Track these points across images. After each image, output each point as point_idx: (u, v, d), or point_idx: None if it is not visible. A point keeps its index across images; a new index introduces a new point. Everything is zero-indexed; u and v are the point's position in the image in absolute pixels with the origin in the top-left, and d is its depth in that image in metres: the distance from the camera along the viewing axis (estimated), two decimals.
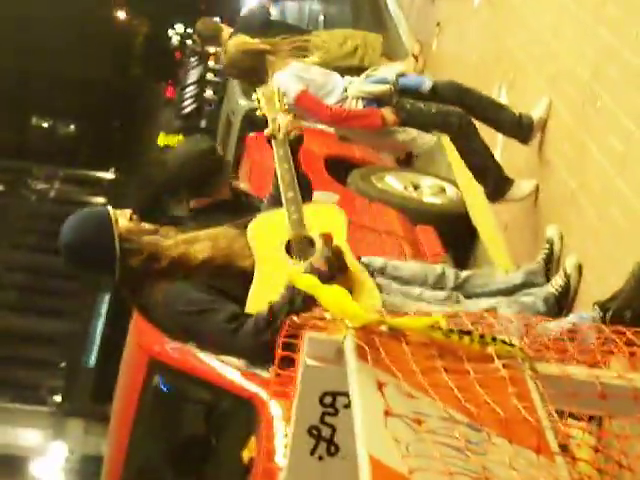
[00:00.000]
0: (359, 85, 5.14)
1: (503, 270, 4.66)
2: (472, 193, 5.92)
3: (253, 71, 5.14)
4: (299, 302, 3.22)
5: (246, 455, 4.65)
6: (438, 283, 4.22)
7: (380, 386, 1.38)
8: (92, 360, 18.70)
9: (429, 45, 8.27)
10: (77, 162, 24.06)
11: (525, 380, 1.50)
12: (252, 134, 7.69)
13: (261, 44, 5.17)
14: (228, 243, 3.54)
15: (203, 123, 22.05)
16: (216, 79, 23.89)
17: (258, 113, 3.95)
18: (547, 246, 4.56)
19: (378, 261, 4.19)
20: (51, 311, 21.82)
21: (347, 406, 1.78)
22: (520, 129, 5.10)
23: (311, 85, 5.05)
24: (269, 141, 3.88)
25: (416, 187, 6.78)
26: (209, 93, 23.95)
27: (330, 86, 5.13)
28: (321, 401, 1.85)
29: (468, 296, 4.17)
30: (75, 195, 23.88)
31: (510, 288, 4.35)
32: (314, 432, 1.88)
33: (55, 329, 21.27)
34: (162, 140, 24.94)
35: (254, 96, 4.01)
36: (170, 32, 25.21)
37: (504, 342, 1.56)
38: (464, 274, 4.30)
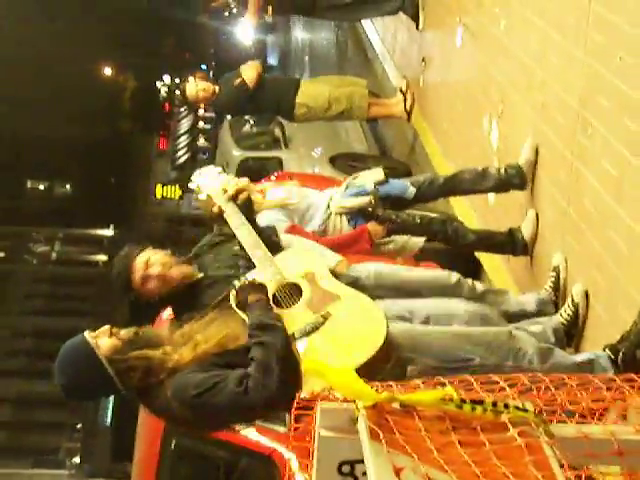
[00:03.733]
0: (340, 201, 5.15)
1: (515, 294, 4.65)
2: (471, 225, 5.92)
3: None
4: (278, 341, 3.32)
5: None
6: (452, 293, 4.22)
7: (397, 471, 1.37)
8: (108, 419, 18.64)
9: (416, 81, 8.30)
10: (76, 222, 24.11)
11: (542, 447, 1.49)
12: None
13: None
14: (220, 331, 3.54)
15: None
16: (207, 126, 23.99)
17: (199, 205, 4.05)
18: (553, 274, 4.56)
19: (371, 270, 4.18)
20: None
21: (365, 473, 1.77)
22: (510, 182, 5.16)
23: (294, 213, 5.10)
24: (220, 217, 4.00)
25: None
26: (202, 141, 24.05)
27: (312, 209, 5.18)
28: (339, 470, 1.83)
29: None
30: (76, 255, 23.92)
31: (520, 313, 4.36)
32: None
33: None
34: (160, 192, 25.01)
35: (192, 185, 4.11)
36: (158, 84, 25.34)
37: (517, 408, 1.55)
38: (480, 288, 4.30)
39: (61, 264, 23.04)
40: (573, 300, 4.30)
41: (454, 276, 4.28)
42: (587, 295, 4.29)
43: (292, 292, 3.68)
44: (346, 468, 1.82)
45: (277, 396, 3.26)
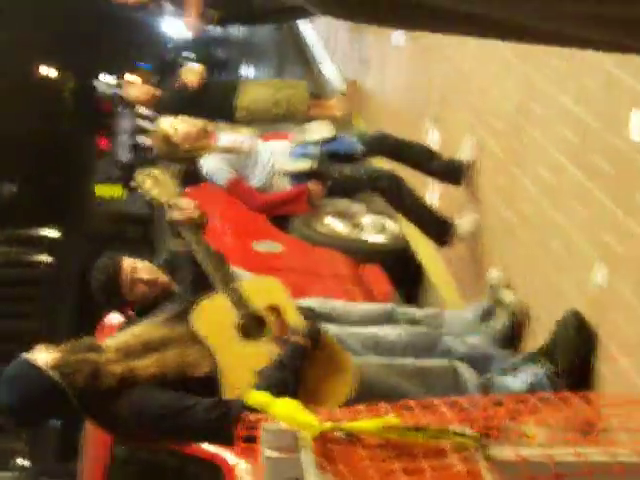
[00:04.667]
0: (283, 163, 5.17)
1: (452, 308, 4.71)
2: (413, 228, 5.98)
3: (183, 159, 5.20)
4: (292, 382, 3.32)
5: None
6: (389, 321, 4.27)
7: None
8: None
9: (356, 83, 8.35)
10: (18, 222, 23.84)
11: (481, 472, 1.54)
12: (188, 189, 7.66)
13: (185, 144, 5.18)
14: (179, 356, 3.48)
15: None
16: (147, 124, 23.83)
17: (148, 199, 3.89)
18: (490, 290, 4.56)
19: (326, 306, 4.21)
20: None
21: None
22: (451, 173, 5.22)
23: (236, 165, 5.10)
24: (174, 226, 3.88)
25: (356, 225, 6.83)
26: (144, 139, 23.90)
27: (253, 166, 5.16)
28: None
29: None
30: (20, 256, 23.64)
31: (459, 329, 4.42)
32: None
33: None
34: (100, 191, 24.84)
35: (135, 182, 3.93)
36: (95, 83, 25.13)
37: (456, 433, 1.60)
38: (418, 315, 4.35)
39: (3, 266, 22.76)
40: (510, 309, 4.37)
41: (388, 306, 4.38)
42: (524, 306, 4.36)
43: (256, 324, 3.62)
44: None
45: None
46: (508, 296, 4.41)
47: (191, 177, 5.77)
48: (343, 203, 5.19)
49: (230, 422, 3.08)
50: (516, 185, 4.61)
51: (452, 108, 5.75)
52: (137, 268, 3.92)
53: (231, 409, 3.24)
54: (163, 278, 3.93)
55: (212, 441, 3.54)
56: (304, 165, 5.10)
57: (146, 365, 3.42)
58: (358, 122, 8.21)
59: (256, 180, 5.17)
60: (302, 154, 5.16)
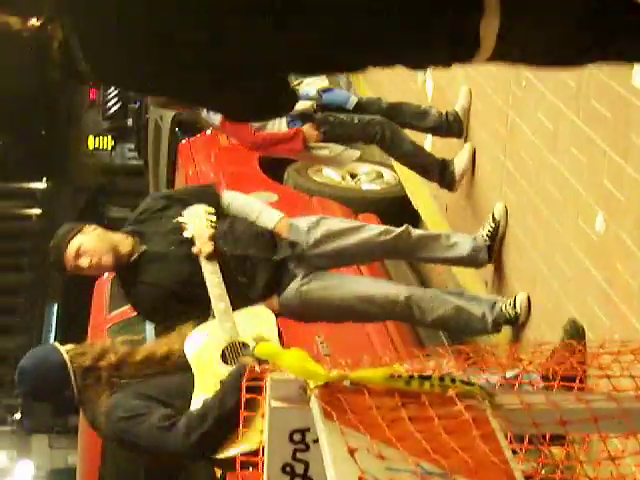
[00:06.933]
0: None
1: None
2: (409, 175, 5.96)
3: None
4: (230, 403, 3.30)
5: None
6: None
7: (351, 452, 1.41)
8: None
9: None
10: (7, 175, 23.76)
11: (488, 419, 1.53)
12: (184, 141, 7.63)
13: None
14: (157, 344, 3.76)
15: (130, 122, 21.84)
16: None
17: (186, 234, 4.03)
18: (492, 224, 4.60)
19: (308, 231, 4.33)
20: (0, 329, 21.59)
21: (316, 440, 1.81)
22: (449, 127, 5.20)
23: None
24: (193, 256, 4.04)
25: (353, 176, 6.81)
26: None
27: None
28: (291, 439, 1.87)
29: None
30: (9, 209, 23.62)
31: (454, 259, 4.57)
32: (288, 469, 1.91)
33: (6, 346, 21.05)
34: (92, 143, 24.71)
35: (181, 219, 4.09)
36: None
37: (463, 382, 1.60)
38: (415, 235, 4.47)
39: None
40: (494, 219, 4.57)
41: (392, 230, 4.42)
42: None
43: (240, 352, 3.75)
44: (297, 436, 1.86)
45: (190, 448, 3.37)
46: (497, 208, 4.58)
47: (186, 125, 5.70)
48: (338, 147, 5.16)
49: (170, 432, 3.37)
50: (514, 131, 4.58)
51: None
52: (82, 251, 4.03)
53: (176, 425, 3.39)
54: (106, 260, 4.05)
55: (160, 452, 3.61)
56: (305, 105, 5.09)
57: (140, 350, 3.67)
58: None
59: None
60: (302, 97, 5.14)
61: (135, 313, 4.54)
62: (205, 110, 5.01)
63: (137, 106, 21.65)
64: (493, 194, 4.86)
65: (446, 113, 5.22)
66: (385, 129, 5.05)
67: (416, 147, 5.16)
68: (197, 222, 4.04)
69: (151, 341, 4.16)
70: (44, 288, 21.05)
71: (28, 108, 22.30)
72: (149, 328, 5.04)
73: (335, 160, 5.28)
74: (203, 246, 3.99)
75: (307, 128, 5.06)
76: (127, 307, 5.09)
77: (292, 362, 1.60)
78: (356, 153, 5.27)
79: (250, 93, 1.99)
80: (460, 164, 5.11)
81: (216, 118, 4.99)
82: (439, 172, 5.13)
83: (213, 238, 4.01)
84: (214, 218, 4.08)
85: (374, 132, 5.06)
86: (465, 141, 5.24)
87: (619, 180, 3.47)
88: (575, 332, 3.71)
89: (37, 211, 23.11)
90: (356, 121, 5.07)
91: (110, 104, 24.36)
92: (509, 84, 4.63)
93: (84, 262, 4.03)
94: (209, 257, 3.98)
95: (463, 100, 5.19)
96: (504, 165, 4.71)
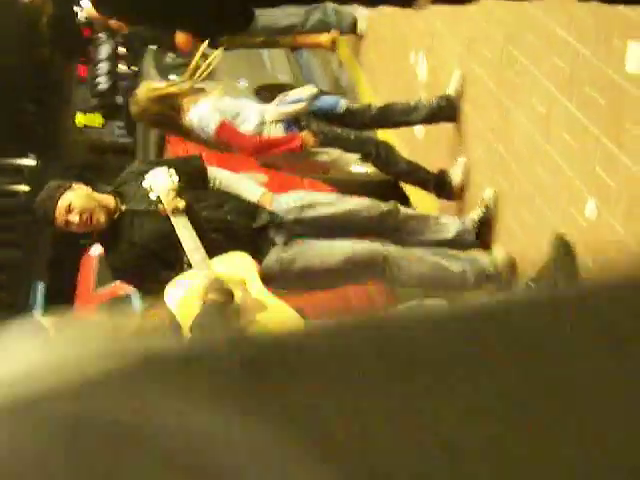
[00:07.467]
0: (275, 109, 5.12)
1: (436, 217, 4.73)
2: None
3: (166, 117, 5.12)
4: None
5: None
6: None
7: None
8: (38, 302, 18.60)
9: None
10: None
11: None
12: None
13: (170, 88, 5.14)
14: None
15: (120, 99, 21.69)
16: (128, 52, 23.51)
17: (152, 196, 4.13)
18: (483, 209, 4.61)
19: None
20: None
21: None
22: (442, 112, 5.19)
23: (227, 114, 5.04)
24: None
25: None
26: (123, 68, 23.61)
27: (245, 113, 5.10)
28: None
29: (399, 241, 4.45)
30: None
31: (440, 241, 4.56)
32: None
33: None
34: (81, 120, 24.55)
35: (145, 184, 4.17)
36: (76, 9, 24.73)
37: None
38: (403, 212, 4.52)
39: None
40: (485, 204, 4.62)
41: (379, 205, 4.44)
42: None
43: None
44: None
45: None
46: (487, 194, 4.61)
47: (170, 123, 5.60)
48: (336, 152, 5.16)
49: None
50: (507, 116, 4.57)
51: (441, 39, 5.68)
52: (72, 207, 4.13)
53: None
54: (97, 216, 4.15)
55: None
56: (300, 106, 5.08)
57: None
58: (343, 52, 8.13)
59: (248, 125, 5.11)
60: (294, 101, 5.14)
61: (122, 290, 4.54)
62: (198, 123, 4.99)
63: (126, 84, 21.56)
64: (485, 179, 4.85)
65: (437, 100, 5.21)
66: (380, 149, 5.09)
67: (411, 166, 5.17)
68: (160, 182, 4.12)
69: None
70: (30, 265, 20.99)
71: (16, 84, 22.19)
72: (137, 304, 5.04)
73: (334, 165, 5.27)
74: (168, 204, 4.07)
75: (305, 134, 5.05)
76: (114, 284, 5.07)
77: None
78: (354, 156, 5.26)
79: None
80: (457, 177, 5.12)
81: (211, 128, 4.93)
82: (437, 185, 5.17)
83: (179, 194, 4.11)
84: (176, 177, 4.15)
85: (368, 151, 5.08)
86: (460, 130, 5.23)
87: (611, 167, 3.47)
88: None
89: (25, 188, 22.98)
90: (352, 137, 5.07)
91: (99, 80, 24.22)
92: (503, 69, 4.62)
93: (74, 218, 4.11)
94: (177, 212, 4.07)
95: (456, 83, 5.18)
96: (497, 150, 4.71)
